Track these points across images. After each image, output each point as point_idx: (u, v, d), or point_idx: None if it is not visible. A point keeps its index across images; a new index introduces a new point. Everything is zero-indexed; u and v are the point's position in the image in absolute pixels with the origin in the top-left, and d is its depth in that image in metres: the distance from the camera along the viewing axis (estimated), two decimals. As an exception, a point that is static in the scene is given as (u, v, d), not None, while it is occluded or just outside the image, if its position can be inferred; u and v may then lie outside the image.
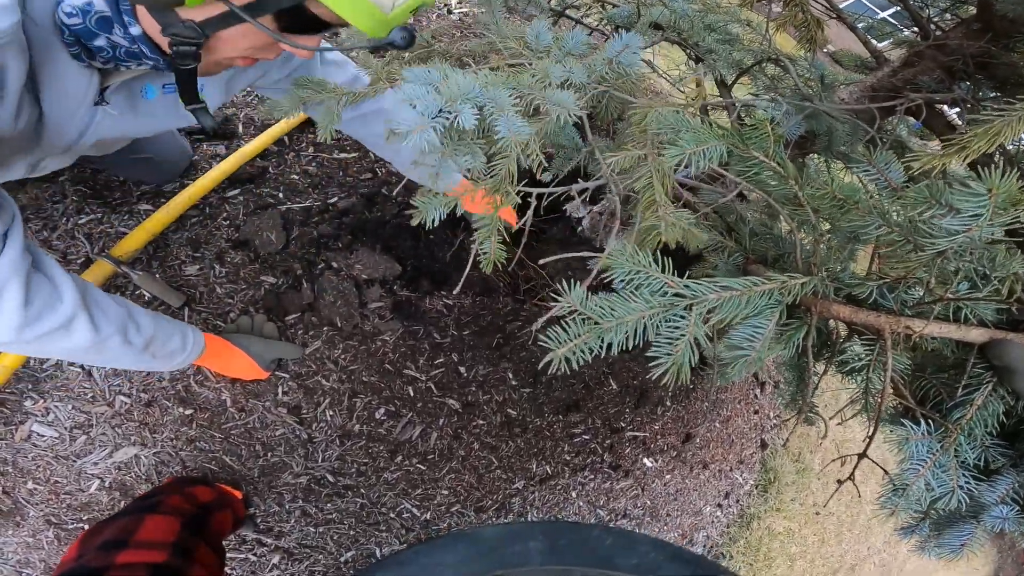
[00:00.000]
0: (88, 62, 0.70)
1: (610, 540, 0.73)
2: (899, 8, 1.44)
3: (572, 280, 0.67)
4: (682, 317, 0.63)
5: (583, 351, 0.60)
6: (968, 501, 0.69)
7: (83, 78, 0.71)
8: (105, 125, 0.81)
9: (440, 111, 0.63)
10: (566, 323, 0.61)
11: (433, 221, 0.80)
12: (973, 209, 0.56)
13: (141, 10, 0.65)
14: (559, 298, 0.62)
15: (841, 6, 1.67)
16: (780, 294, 0.68)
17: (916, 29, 1.49)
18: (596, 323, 0.61)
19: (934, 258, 0.63)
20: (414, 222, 0.82)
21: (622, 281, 0.66)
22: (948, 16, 1.56)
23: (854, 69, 1.76)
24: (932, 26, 1.44)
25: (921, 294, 0.71)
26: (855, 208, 0.71)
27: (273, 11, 0.64)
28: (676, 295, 0.64)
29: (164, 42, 0.67)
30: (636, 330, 0.62)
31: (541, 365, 0.61)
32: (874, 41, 1.60)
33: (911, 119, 1.59)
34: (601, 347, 0.60)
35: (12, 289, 0.66)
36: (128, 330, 0.86)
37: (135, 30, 0.66)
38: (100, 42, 0.67)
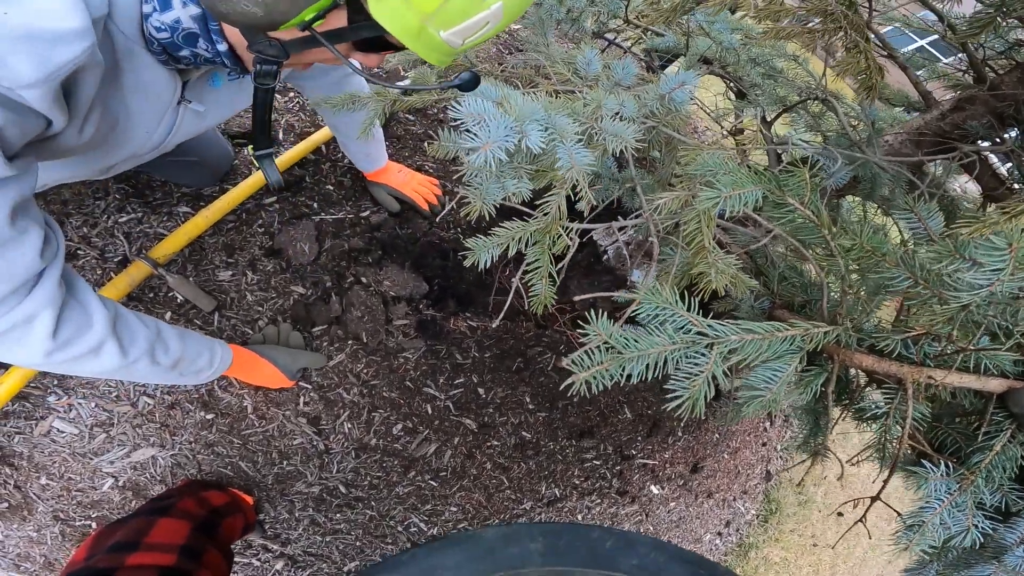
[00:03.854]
0: (173, 66, 0.71)
1: (610, 541, 0.71)
2: (938, 37, 1.32)
3: (598, 310, 0.65)
4: (702, 355, 0.63)
5: (604, 377, 0.61)
6: (982, 540, 0.68)
7: (169, 81, 0.72)
8: (187, 120, 0.82)
9: (508, 130, 0.62)
10: (590, 350, 0.61)
11: (485, 263, 0.77)
12: (994, 263, 0.56)
13: (228, 26, 0.66)
14: (587, 328, 0.62)
15: (882, 32, 1.56)
16: (802, 341, 0.68)
17: (968, 70, 1.38)
18: (619, 353, 0.61)
19: (958, 311, 0.63)
20: (467, 263, 0.78)
21: (648, 316, 0.65)
22: (1003, 57, 1.44)
23: (902, 108, 1.65)
24: (986, 68, 1.32)
25: (942, 346, 0.70)
26: (883, 259, 0.70)
27: (353, 40, 0.64)
28: (699, 333, 0.64)
29: (248, 57, 0.69)
30: (657, 363, 0.62)
31: (563, 387, 0.61)
32: (924, 80, 1.49)
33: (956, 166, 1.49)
34: (621, 375, 0.61)
35: (43, 319, 0.64)
36: (156, 352, 0.82)
37: (222, 47, 0.67)
38: (184, 53, 0.68)
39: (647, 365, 0.61)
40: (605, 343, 0.61)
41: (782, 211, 0.74)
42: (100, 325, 0.71)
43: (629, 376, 0.61)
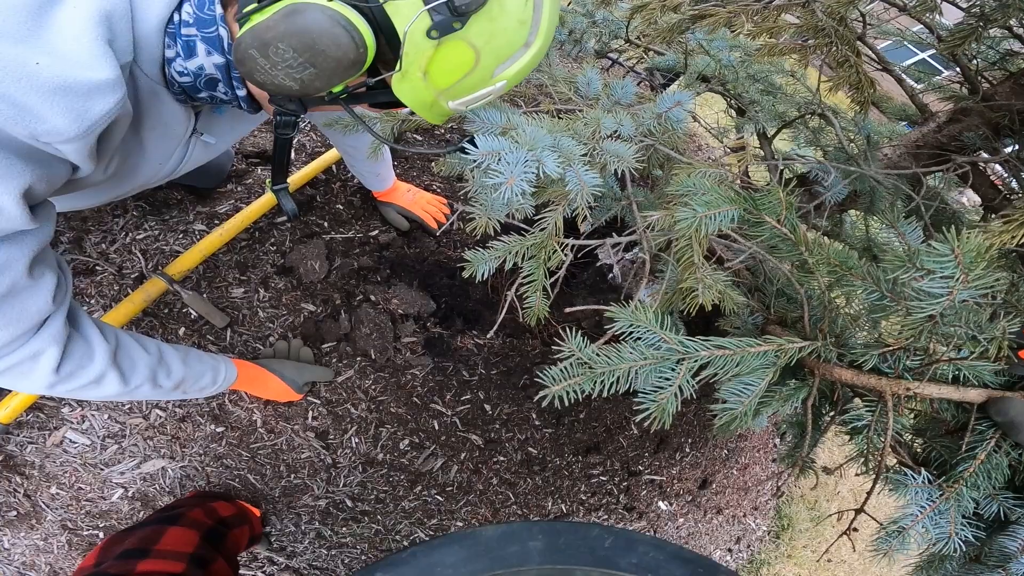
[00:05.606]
0: (189, 103, 0.72)
1: (610, 540, 0.69)
2: (937, 51, 1.30)
3: (602, 326, 0.65)
4: (672, 369, 0.64)
5: (576, 391, 0.61)
6: (964, 548, 0.67)
7: (184, 117, 0.73)
8: (197, 151, 0.83)
9: (527, 162, 0.62)
10: (564, 364, 0.62)
11: (483, 276, 0.76)
12: (943, 270, 0.55)
13: None
14: (562, 344, 0.63)
15: (881, 46, 1.54)
16: (776, 356, 0.68)
17: (963, 81, 1.35)
18: (590, 367, 0.62)
19: (924, 322, 0.62)
20: (465, 275, 0.78)
21: (625, 331, 0.66)
22: (996, 68, 1.41)
23: (898, 118, 1.62)
24: (980, 78, 1.29)
25: (921, 359, 0.70)
26: (849, 273, 0.70)
27: (368, 101, 0.67)
28: (670, 349, 0.64)
29: (264, 98, 0.68)
30: (629, 377, 0.62)
31: (536, 399, 0.61)
32: (920, 92, 1.46)
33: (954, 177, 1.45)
34: (594, 388, 0.62)
35: (48, 355, 0.65)
36: (158, 377, 0.83)
37: (241, 92, 0.68)
38: (203, 95, 0.68)
39: (618, 378, 0.61)
40: (577, 359, 0.62)
41: (759, 230, 0.73)
42: (101, 358, 0.72)
43: (603, 389, 0.62)
